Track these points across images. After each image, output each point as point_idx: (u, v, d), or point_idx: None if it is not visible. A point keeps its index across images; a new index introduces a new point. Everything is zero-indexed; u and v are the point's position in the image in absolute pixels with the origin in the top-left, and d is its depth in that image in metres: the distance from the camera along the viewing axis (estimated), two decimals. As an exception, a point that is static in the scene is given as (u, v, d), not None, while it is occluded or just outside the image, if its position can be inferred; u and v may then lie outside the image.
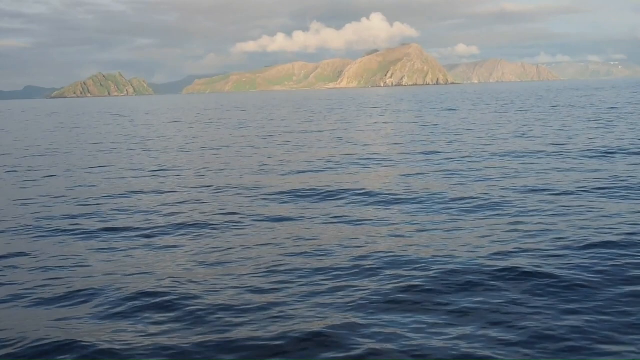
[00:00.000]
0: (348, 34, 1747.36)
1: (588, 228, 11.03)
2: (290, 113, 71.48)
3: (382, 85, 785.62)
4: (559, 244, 10.08)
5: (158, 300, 8.24)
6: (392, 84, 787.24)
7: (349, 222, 12.42)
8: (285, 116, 63.44)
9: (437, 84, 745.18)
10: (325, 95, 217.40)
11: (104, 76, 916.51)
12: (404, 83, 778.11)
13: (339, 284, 8.53)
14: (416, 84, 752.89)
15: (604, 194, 14.04)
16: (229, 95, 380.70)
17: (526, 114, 49.81)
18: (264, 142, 32.01)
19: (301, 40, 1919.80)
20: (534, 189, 15.07)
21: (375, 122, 45.91)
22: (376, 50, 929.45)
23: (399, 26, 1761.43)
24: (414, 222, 12.13)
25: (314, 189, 16.04)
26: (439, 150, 24.54)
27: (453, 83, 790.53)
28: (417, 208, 13.46)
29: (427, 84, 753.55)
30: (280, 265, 9.55)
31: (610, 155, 21.20)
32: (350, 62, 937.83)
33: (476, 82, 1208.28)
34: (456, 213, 12.73)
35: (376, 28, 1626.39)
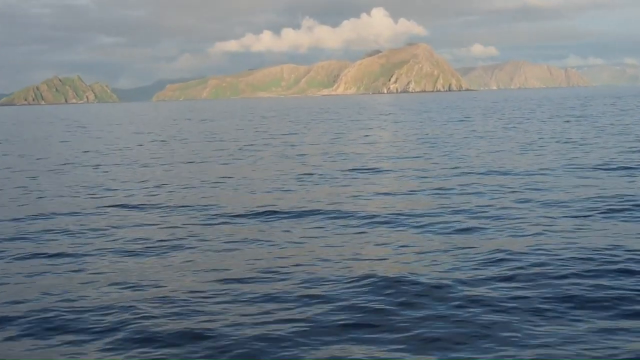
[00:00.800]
0: (345, 32, 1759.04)
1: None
2: (273, 124, 72.87)
3: (385, 91, 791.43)
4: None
5: (84, 326, 9.09)
6: (397, 90, 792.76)
7: (307, 244, 13.38)
8: (265, 127, 64.75)
9: (450, 91, 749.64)
10: (318, 103, 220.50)
11: (60, 80, 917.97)
12: (410, 89, 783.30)
13: (287, 310, 9.41)
14: (425, 91, 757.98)
15: (610, 215, 15.04)
16: (206, 103, 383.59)
17: (545, 124, 50.74)
18: (231, 157, 33.18)
19: (291, 39, 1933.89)
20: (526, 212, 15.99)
21: (367, 135, 47.22)
22: (378, 51, 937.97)
23: (405, 23, 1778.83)
24: (383, 242, 13.30)
25: (277, 209, 17.16)
26: (427, 168, 25.69)
27: (468, 89, 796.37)
28: (389, 228, 14.64)
29: (437, 91, 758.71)
30: (227, 290, 10.42)
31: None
32: (348, 64, 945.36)
33: (495, 88, 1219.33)
34: (429, 234, 13.91)
35: (378, 25, 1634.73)
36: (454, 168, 24.92)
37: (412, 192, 19.56)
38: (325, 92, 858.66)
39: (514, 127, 49.83)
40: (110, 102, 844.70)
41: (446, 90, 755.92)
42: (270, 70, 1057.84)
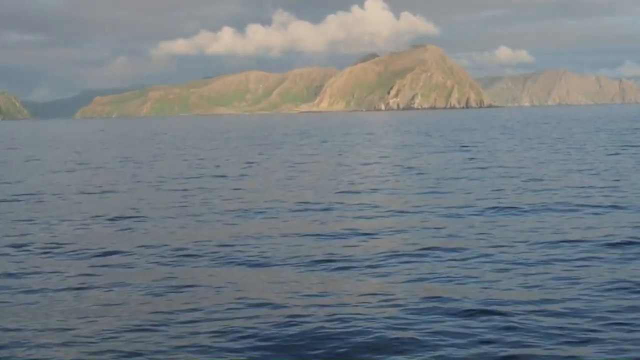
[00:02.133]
0: (331, 29, 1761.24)
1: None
2: (217, 149, 74.88)
3: (383, 107, 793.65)
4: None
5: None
6: (399, 106, 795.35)
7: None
8: (205, 152, 66.83)
9: (467, 107, 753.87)
10: (293, 123, 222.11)
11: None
12: (415, 105, 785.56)
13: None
14: (435, 107, 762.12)
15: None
16: (145, 122, 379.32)
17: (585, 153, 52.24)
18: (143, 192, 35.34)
19: (260, 38, 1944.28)
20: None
21: (340, 164, 50.13)
22: (375, 56, 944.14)
23: (409, 19, 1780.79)
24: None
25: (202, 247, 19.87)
26: (402, 207, 27.89)
27: (491, 105, 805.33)
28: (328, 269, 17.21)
29: (451, 107, 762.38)
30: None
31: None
32: (335, 72, 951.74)
33: (527, 104, 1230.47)
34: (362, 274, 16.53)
35: (374, 21, 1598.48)
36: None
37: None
38: (305, 107, 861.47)
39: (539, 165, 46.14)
40: (18, 120, 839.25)
41: (463, 107, 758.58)
42: (231, 79, 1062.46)
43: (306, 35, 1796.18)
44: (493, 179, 36.58)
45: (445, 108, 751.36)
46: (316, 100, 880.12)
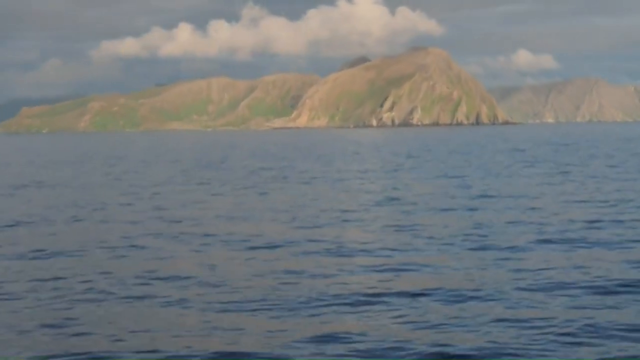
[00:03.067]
0: (312, 27, 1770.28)
1: None
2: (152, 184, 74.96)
3: (375, 123, 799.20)
4: None
5: None
6: (394, 121, 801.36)
7: None
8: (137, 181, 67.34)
9: (477, 124, 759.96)
10: (262, 141, 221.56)
11: None
12: (414, 120, 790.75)
13: None
14: (438, 123, 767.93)
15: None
16: (80, 139, 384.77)
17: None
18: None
19: (225, 37, 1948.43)
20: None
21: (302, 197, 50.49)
22: (365, 60, 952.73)
23: (407, 15, 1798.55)
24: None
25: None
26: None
27: (507, 122, 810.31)
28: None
29: (458, 123, 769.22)
30: None
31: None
32: (317, 79, 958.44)
33: (551, 120, 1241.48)
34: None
35: (365, 18, 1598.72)
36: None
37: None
38: (279, 123, 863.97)
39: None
40: None
41: (472, 124, 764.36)
42: (190, 87, 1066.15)
43: (282, 34, 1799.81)
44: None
45: (450, 124, 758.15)
46: (293, 114, 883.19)
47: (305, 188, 59.93)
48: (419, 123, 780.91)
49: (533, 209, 41.50)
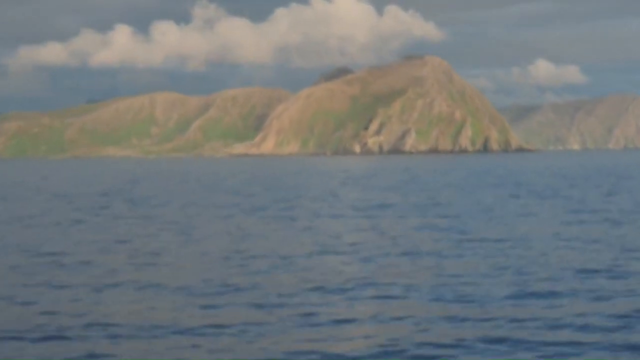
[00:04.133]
0: (281, 31, 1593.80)
1: None
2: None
3: (358, 150, 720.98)
4: None
5: None
6: (381, 147, 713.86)
7: None
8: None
9: (486, 151, 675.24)
10: (212, 172, 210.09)
11: None
12: (407, 146, 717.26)
13: None
14: (436, 150, 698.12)
15: None
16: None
17: None
18: None
19: (172, 42, 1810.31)
20: None
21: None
22: (347, 71, 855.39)
23: (399, 16, 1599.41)
24: None
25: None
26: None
27: (522, 149, 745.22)
28: None
29: (462, 150, 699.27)
30: None
31: None
32: (286, 95, 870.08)
33: (577, 147, 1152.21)
34: None
35: (346, 19, 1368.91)
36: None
37: None
38: (240, 149, 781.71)
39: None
40: None
41: (479, 150, 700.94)
42: (129, 103, 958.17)
43: (243, 38, 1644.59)
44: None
45: (452, 151, 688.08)
46: (257, 138, 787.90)
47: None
48: (413, 150, 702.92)
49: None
